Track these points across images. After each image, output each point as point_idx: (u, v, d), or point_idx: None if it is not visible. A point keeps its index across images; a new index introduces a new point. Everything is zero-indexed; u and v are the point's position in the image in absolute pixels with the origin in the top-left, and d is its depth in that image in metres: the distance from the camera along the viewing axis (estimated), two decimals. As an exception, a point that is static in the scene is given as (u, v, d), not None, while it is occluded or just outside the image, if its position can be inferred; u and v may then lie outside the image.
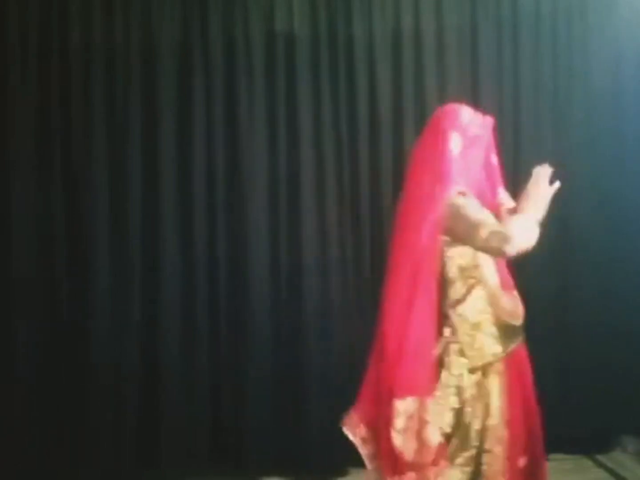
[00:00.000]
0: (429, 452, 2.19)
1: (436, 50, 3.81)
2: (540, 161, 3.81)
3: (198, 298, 3.72)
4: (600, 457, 3.80)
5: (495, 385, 2.31)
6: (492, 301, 2.33)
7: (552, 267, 3.86)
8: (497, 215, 2.36)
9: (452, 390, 2.26)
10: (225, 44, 3.72)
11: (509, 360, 2.34)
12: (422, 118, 3.79)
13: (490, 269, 2.37)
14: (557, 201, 3.82)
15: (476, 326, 2.29)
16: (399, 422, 2.19)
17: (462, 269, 2.31)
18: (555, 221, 3.87)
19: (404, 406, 2.19)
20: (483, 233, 2.17)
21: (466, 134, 2.33)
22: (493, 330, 2.31)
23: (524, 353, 2.42)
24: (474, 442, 2.28)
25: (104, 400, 3.66)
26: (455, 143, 2.31)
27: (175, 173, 3.73)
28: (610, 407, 3.80)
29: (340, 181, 3.77)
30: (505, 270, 2.46)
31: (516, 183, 3.83)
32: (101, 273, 3.67)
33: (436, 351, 2.26)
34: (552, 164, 3.82)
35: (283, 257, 3.75)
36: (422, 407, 2.19)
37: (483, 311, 2.31)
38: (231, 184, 3.75)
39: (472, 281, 2.32)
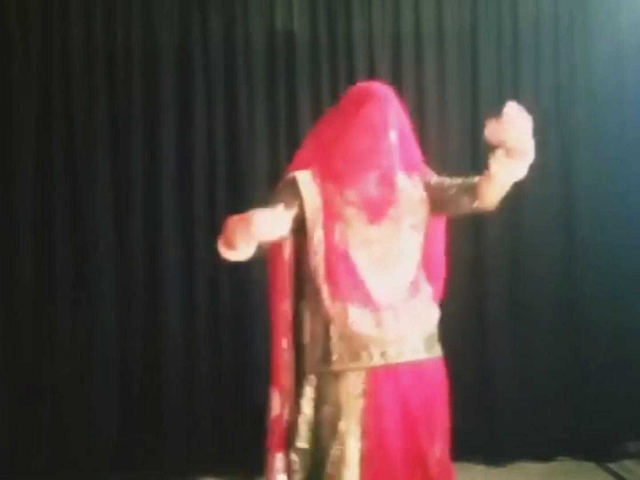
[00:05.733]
0: None
1: (436, 50, 3.81)
2: (540, 162, 3.85)
3: (199, 298, 3.72)
4: (604, 461, 3.77)
5: None
6: None
7: (556, 270, 3.86)
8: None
9: None
10: (225, 44, 3.73)
11: None
12: (421, 118, 3.80)
13: None
14: (562, 202, 3.87)
15: None
16: None
17: None
18: (559, 222, 3.88)
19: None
20: None
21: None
22: None
23: None
24: None
25: (105, 401, 3.67)
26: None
27: (175, 173, 3.73)
28: (615, 410, 3.79)
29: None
30: None
31: (519, 184, 3.86)
32: (102, 274, 3.68)
33: None
34: (554, 165, 3.87)
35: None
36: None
37: None
38: (231, 183, 3.75)
39: None
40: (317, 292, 2.17)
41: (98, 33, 3.68)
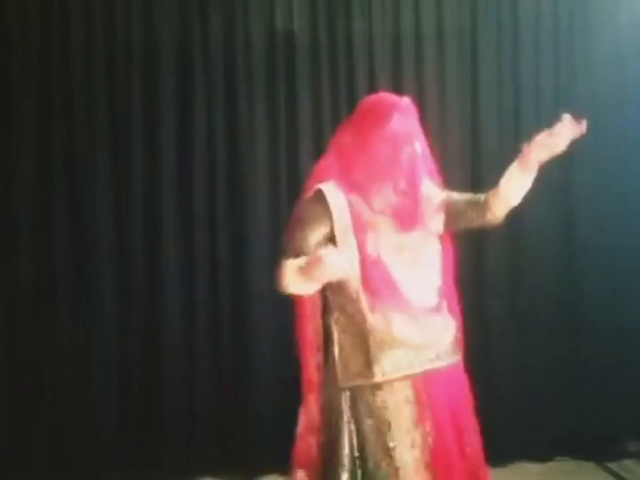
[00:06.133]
0: None
1: (436, 50, 3.81)
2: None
3: (199, 297, 3.72)
4: (604, 460, 3.77)
5: None
6: None
7: (556, 270, 3.86)
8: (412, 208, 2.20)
9: None
10: (225, 44, 3.73)
11: None
12: (422, 118, 3.80)
13: None
14: (561, 202, 3.87)
15: None
16: None
17: None
18: (559, 222, 3.88)
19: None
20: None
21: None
22: None
23: None
24: None
25: (105, 401, 3.67)
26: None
27: (175, 173, 3.74)
28: (615, 410, 3.80)
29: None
30: None
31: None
32: (102, 274, 3.68)
33: None
34: (553, 165, 3.86)
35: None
36: None
37: None
38: (231, 183, 3.75)
39: None
40: (349, 303, 2.15)
41: (98, 33, 3.68)
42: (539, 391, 3.83)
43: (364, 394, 2.14)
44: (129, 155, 3.71)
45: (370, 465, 2.12)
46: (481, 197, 2.29)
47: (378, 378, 2.11)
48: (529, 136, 3.89)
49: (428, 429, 2.14)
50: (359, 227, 2.15)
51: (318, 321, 2.23)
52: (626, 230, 3.86)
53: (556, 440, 3.81)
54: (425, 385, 2.15)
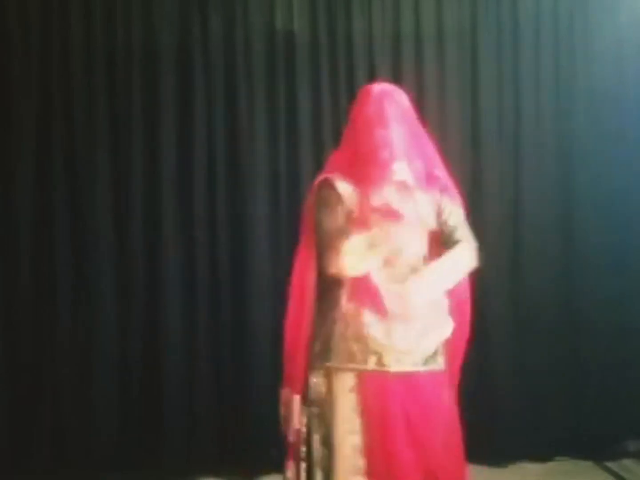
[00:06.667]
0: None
1: (436, 50, 3.81)
2: (540, 161, 3.86)
3: (199, 297, 3.72)
4: (604, 460, 3.77)
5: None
6: None
7: (556, 270, 3.86)
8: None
9: None
10: (225, 44, 3.73)
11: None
12: (421, 118, 3.80)
13: None
14: (561, 202, 3.87)
15: None
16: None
17: None
18: (559, 222, 3.88)
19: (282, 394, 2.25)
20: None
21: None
22: None
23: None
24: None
25: (105, 401, 3.67)
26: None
27: (175, 173, 3.73)
28: (615, 410, 3.80)
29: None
30: None
31: (517, 184, 3.87)
32: (102, 274, 3.68)
33: None
34: (553, 165, 3.87)
35: (284, 256, 3.74)
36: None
37: None
38: (231, 183, 3.75)
39: None
40: (330, 289, 2.19)
41: (98, 33, 3.68)
42: (539, 391, 3.83)
43: (317, 376, 2.20)
44: (129, 155, 3.71)
45: (314, 444, 2.17)
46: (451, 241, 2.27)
47: (331, 363, 2.17)
48: (529, 136, 3.93)
49: (372, 423, 2.13)
50: (357, 221, 2.16)
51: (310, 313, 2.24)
52: (626, 230, 3.86)
53: (556, 440, 3.81)
54: (371, 382, 2.15)
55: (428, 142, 2.33)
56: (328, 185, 2.20)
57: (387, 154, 2.16)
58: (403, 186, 2.20)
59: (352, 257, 2.11)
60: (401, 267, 2.19)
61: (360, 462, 2.14)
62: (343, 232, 2.13)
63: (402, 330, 2.15)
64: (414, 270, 2.19)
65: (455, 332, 2.28)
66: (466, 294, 2.40)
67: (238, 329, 3.72)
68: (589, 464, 3.76)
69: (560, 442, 3.81)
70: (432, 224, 2.25)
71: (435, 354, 2.22)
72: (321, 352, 2.20)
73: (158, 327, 3.70)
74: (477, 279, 3.78)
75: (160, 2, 3.70)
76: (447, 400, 2.23)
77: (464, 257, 2.27)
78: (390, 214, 2.17)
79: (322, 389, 2.19)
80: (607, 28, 3.88)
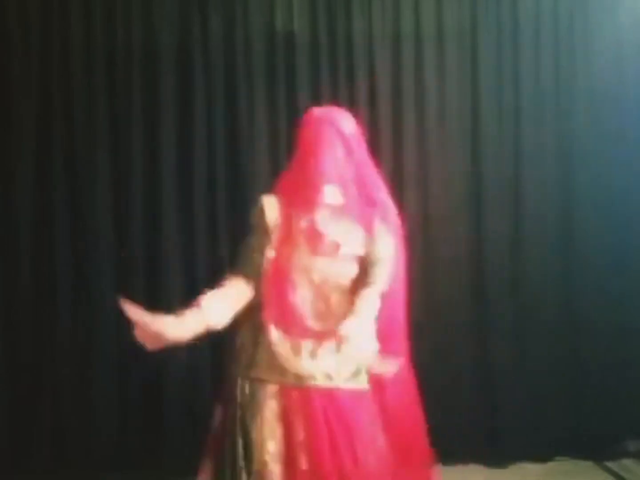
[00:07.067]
0: None
1: (436, 49, 3.81)
2: (540, 161, 3.86)
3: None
4: (604, 460, 3.77)
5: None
6: None
7: (556, 270, 3.86)
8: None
9: None
10: (225, 44, 3.73)
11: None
12: (421, 117, 3.81)
13: None
14: (561, 203, 3.87)
15: None
16: None
17: None
18: (559, 222, 3.88)
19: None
20: None
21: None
22: None
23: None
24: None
25: (105, 401, 3.67)
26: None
27: (175, 173, 3.73)
28: (615, 410, 3.80)
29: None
30: None
31: (517, 184, 3.87)
32: (102, 274, 3.68)
33: None
34: (554, 164, 3.87)
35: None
36: None
37: None
38: (231, 183, 3.75)
39: None
40: (257, 303, 2.26)
41: (98, 33, 3.68)
42: (539, 391, 3.83)
43: (243, 385, 2.25)
44: (129, 155, 3.71)
45: (236, 447, 2.22)
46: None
47: (255, 373, 2.24)
48: (529, 136, 3.93)
49: (293, 433, 2.17)
50: (281, 239, 2.25)
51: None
52: (626, 230, 3.86)
53: (556, 440, 3.81)
54: (291, 395, 2.20)
55: (369, 167, 2.37)
56: (259, 205, 2.31)
57: (318, 178, 2.23)
58: (334, 210, 2.26)
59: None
60: (326, 287, 2.24)
61: (277, 469, 2.16)
62: (255, 252, 2.25)
63: (312, 350, 2.20)
64: (340, 289, 2.25)
65: (384, 353, 2.28)
66: (397, 314, 2.41)
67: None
68: (589, 464, 3.76)
69: (560, 442, 3.81)
70: (359, 249, 2.28)
71: (356, 373, 2.25)
72: (248, 360, 2.26)
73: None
74: (478, 279, 3.83)
75: (160, 2, 3.70)
76: (366, 421, 2.24)
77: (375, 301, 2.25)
78: (316, 236, 2.23)
79: (247, 391, 2.24)
80: (607, 28, 3.88)
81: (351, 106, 3.75)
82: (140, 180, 3.71)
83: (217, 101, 3.73)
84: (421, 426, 2.40)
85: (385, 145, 3.77)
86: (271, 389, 2.22)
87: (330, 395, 2.20)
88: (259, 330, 2.25)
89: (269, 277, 2.24)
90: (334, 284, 2.25)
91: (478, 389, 3.82)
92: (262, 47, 3.74)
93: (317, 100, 3.73)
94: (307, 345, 2.21)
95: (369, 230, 2.29)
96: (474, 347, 3.83)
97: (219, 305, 2.25)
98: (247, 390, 2.24)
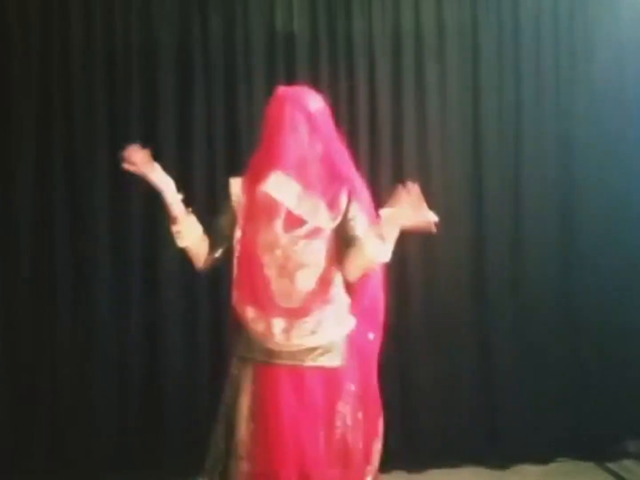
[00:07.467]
0: None
1: (436, 49, 3.81)
2: (541, 161, 3.85)
3: (199, 296, 3.72)
4: (604, 461, 3.77)
5: None
6: None
7: (556, 270, 3.86)
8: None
9: None
10: (225, 44, 3.72)
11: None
12: (422, 117, 3.80)
13: None
14: (561, 203, 3.87)
15: None
16: None
17: None
18: (559, 222, 3.88)
19: None
20: None
21: None
22: None
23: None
24: None
25: (105, 401, 3.67)
26: None
27: (175, 172, 3.71)
28: (615, 410, 3.80)
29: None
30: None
31: (517, 183, 3.87)
32: (103, 274, 3.68)
33: None
34: (554, 164, 3.87)
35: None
36: None
37: None
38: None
39: None
40: None
41: (98, 33, 3.68)
42: (539, 391, 3.82)
43: (234, 364, 2.37)
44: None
45: (220, 427, 2.36)
46: (354, 246, 2.26)
47: (239, 352, 2.36)
48: (529, 135, 3.93)
49: (261, 412, 2.25)
50: (245, 218, 2.30)
51: None
52: (626, 230, 3.86)
53: (556, 441, 3.81)
54: (267, 376, 2.27)
55: (336, 144, 2.38)
56: (227, 185, 2.40)
57: (278, 156, 2.23)
58: (289, 181, 2.26)
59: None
60: (290, 264, 2.24)
61: (250, 447, 2.26)
62: (222, 230, 2.36)
63: (283, 327, 2.24)
64: (305, 267, 2.25)
65: (361, 331, 2.36)
66: (378, 293, 2.43)
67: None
68: (589, 464, 3.76)
69: (560, 443, 3.81)
70: (326, 225, 2.27)
71: (327, 351, 2.28)
72: (237, 341, 2.38)
73: (158, 327, 3.70)
74: (477, 279, 3.83)
75: (160, 2, 3.70)
76: (335, 398, 2.29)
77: (369, 246, 2.21)
78: (272, 209, 2.24)
79: (235, 371, 2.35)
80: (607, 28, 3.88)
81: (351, 106, 3.78)
82: (140, 181, 3.69)
83: (217, 101, 3.72)
84: (377, 400, 2.43)
85: (386, 145, 3.77)
86: (249, 369, 2.30)
87: (299, 373, 2.26)
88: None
89: (239, 257, 2.30)
90: (297, 262, 2.24)
91: (478, 389, 3.82)
92: (262, 47, 3.74)
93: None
94: (278, 322, 2.24)
95: (334, 206, 2.28)
96: (474, 347, 3.83)
97: (196, 228, 2.39)
98: (235, 370, 2.34)
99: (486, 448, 3.77)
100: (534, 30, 3.86)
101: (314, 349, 2.27)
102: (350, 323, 2.34)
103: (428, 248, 3.76)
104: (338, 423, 2.27)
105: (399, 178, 3.74)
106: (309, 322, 2.25)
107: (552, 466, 3.77)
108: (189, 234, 2.37)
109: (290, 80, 3.72)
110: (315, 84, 3.71)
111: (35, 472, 3.59)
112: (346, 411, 2.28)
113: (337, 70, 3.76)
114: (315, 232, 2.26)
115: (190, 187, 3.72)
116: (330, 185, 2.30)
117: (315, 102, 2.33)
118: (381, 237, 2.14)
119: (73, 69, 3.67)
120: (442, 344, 3.77)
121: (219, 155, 3.73)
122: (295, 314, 2.24)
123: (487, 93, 3.83)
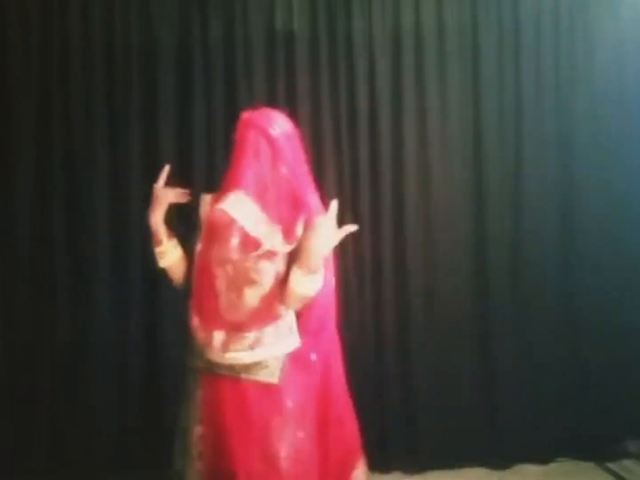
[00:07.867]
0: None
1: (436, 49, 3.80)
2: (540, 161, 3.86)
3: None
4: (604, 461, 3.77)
5: None
6: None
7: (556, 270, 3.86)
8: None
9: None
10: (225, 44, 3.72)
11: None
12: (422, 117, 3.80)
13: None
14: (561, 203, 3.87)
15: None
16: None
17: None
18: (559, 221, 3.88)
19: None
20: None
21: None
22: None
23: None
24: None
25: (105, 401, 3.67)
26: None
27: (175, 173, 3.72)
28: (615, 410, 3.81)
29: (340, 180, 3.77)
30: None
31: (518, 183, 3.87)
32: (102, 274, 3.68)
33: None
34: (554, 164, 3.87)
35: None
36: None
37: None
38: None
39: None
40: None
41: (98, 33, 3.68)
42: (539, 391, 3.83)
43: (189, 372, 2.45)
44: (128, 155, 3.70)
45: (179, 432, 2.50)
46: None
47: (188, 362, 2.44)
48: (530, 135, 3.93)
49: (208, 416, 2.36)
50: (206, 232, 2.40)
51: None
52: (626, 230, 3.86)
53: (556, 441, 3.81)
54: (209, 383, 2.36)
55: (302, 169, 2.42)
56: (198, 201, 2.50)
57: (239, 179, 2.35)
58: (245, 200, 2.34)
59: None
60: (239, 279, 2.29)
61: (201, 449, 2.37)
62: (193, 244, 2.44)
63: (222, 341, 2.31)
64: (253, 284, 2.29)
65: (306, 351, 2.37)
66: (328, 312, 2.47)
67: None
68: (589, 464, 3.76)
69: (560, 443, 3.81)
70: (278, 248, 2.30)
71: (264, 367, 2.32)
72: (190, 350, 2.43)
73: (158, 327, 3.70)
74: (477, 279, 3.83)
75: (160, 2, 3.70)
76: (272, 414, 2.32)
77: (298, 286, 2.27)
78: (228, 225, 2.31)
79: (189, 379, 2.44)
80: (607, 27, 3.88)
81: (351, 106, 3.78)
82: (140, 180, 3.70)
83: (217, 101, 3.72)
84: (346, 416, 2.49)
85: (386, 145, 3.77)
86: (197, 373, 2.40)
87: (236, 386, 2.32)
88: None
89: (196, 269, 2.39)
90: (247, 278, 2.29)
91: (478, 389, 3.82)
92: (262, 47, 3.74)
93: (316, 100, 3.75)
94: (218, 335, 2.31)
95: (290, 233, 2.31)
96: (474, 347, 3.83)
97: (177, 250, 2.51)
98: (186, 375, 2.45)
99: (486, 448, 3.77)
100: (534, 30, 3.85)
101: (250, 365, 2.31)
102: (293, 342, 2.35)
103: (428, 248, 3.77)
104: (273, 439, 2.30)
105: (399, 178, 3.77)
106: (248, 338, 2.30)
107: (552, 466, 3.77)
108: (171, 254, 2.48)
109: (290, 81, 3.75)
110: (315, 84, 3.76)
111: (35, 472, 3.59)
112: (283, 428, 2.31)
113: (337, 70, 3.76)
114: (268, 255, 2.30)
115: (190, 187, 3.72)
116: (289, 211, 2.34)
117: (279, 126, 2.39)
118: (310, 271, 2.22)
119: (73, 69, 3.67)
120: (442, 344, 3.77)
121: (218, 155, 3.73)
122: (238, 328, 2.30)
123: (487, 93, 3.83)
